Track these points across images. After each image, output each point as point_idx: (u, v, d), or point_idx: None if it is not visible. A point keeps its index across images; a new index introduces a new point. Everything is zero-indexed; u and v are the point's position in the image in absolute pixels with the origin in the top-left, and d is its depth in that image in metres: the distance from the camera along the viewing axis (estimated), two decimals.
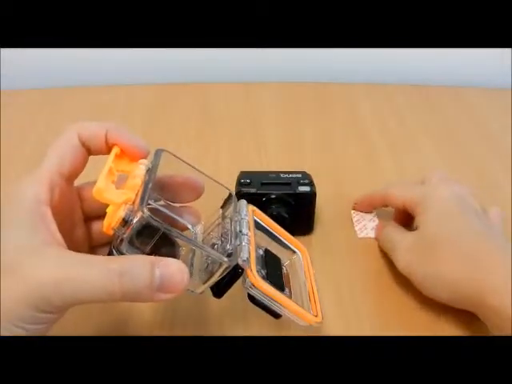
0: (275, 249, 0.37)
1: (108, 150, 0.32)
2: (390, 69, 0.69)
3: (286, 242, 0.38)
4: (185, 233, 0.34)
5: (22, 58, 0.64)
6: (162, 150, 0.32)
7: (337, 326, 0.37)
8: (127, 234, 0.28)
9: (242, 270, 0.30)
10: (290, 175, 0.42)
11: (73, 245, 0.29)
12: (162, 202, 0.33)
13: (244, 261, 0.30)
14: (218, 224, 0.35)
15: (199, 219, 0.35)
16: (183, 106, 0.63)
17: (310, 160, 0.54)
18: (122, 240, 0.28)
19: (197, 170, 0.34)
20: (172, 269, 0.27)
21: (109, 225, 0.28)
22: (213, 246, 0.34)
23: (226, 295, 0.31)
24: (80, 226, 0.33)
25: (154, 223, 0.28)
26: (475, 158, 0.55)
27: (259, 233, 0.36)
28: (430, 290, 0.37)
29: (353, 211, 0.47)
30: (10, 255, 0.27)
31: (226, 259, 0.30)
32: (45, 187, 0.29)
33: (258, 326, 0.37)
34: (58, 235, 0.28)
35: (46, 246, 0.27)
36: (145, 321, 0.38)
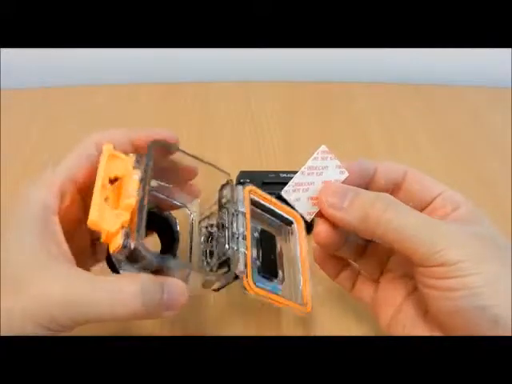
0: (273, 223, 0.38)
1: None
2: (390, 69, 0.69)
3: (283, 214, 0.38)
4: (180, 211, 0.35)
5: (22, 58, 0.64)
6: (153, 145, 0.31)
7: (337, 326, 0.37)
8: (128, 256, 0.28)
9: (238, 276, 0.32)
10: (290, 175, 0.42)
11: (77, 251, 0.29)
12: (154, 184, 0.33)
13: (241, 271, 0.32)
14: (215, 210, 0.35)
15: (196, 194, 0.35)
16: (183, 105, 0.63)
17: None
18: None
19: (193, 156, 0.33)
20: (176, 288, 0.28)
21: (110, 249, 0.28)
22: (208, 238, 0.35)
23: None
24: (86, 233, 0.33)
25: (149, 257, 0.28)
26: (475, 157, 0.55)
27: (257, 210, 0.37)
28: None
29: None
30: (15, 268, 0.27)
31: (223, 280, 0.32)
32: (53, 193, 0.28)
33: (258, 326, 0.37)
34: (65, 246, 0.28)
35: (53, 260, 0.27)
36: (145, 321, 0.38)
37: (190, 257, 0.35)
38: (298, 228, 0.38)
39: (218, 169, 0.35)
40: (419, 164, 0.54)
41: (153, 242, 0.34)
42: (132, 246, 0.27)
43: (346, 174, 0.32)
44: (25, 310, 0.26)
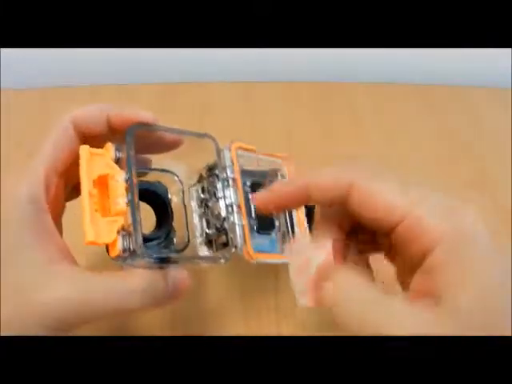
0: (263, 173, 0.38)
1: (111, 135, 0.30)
2: (390, 69, 0.69)
3: (273, 159, 0.39)
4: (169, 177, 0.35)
5: (22, 58, 0.64)
6: (131, 130, 0.30)
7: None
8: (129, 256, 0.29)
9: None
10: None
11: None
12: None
13: (240, 246, 0.32)
14: (205, 175, 0.35)
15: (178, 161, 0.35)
16: (183, 105, 0.63)
17: (309, 159, 0.54)
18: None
19: (176, 129, 0.33)
20: (178, 277, 0.29)
21: (111, 254, 0.28)
22: (202, 203, 0.35)
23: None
24: None
25: (149, 254, 0.28)
26: (475, 157, 0.55)
27: (247, 162, 0.37)
28: None
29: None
30: (19, 274, 0.26)
31: (222, 261, 0.32)
32: (42, 189, 0.28)
33: (258, 326, 0.37)
34: (62, 243, 0.28)
35: (55, 263, 0.27)
36: (145, 321, 0.38)
37: (187, 225, 0.35)
38: (288, 169, 0.38)
39: (204, 136, 0.34)
40: (419, 164, 0.55)
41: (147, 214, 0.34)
42: (132, 249, 0.28)
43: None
44: (31, 314, 0.26)
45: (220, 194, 0.34)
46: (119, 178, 0.29)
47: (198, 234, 0.35)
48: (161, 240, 0.34)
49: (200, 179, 0.36)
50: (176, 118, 0.60)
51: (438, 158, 0.55)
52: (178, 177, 0.36)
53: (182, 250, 0.35)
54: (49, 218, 0.28)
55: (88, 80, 0.65)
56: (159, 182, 0.35)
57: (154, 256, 0.29)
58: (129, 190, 0.28)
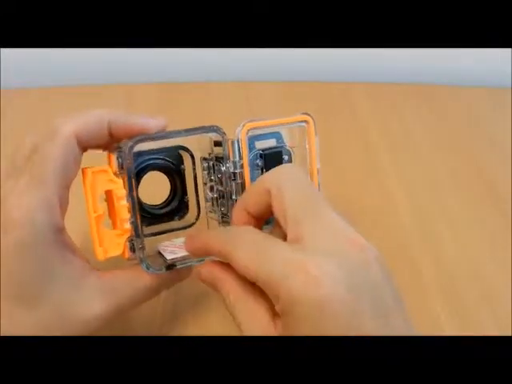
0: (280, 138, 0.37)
1: (112, 142, 0.30)
2: (390, 69, 0.69)
3: (290, 125, 0.36)
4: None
5: (22, 58, 0.64)
6: (132, 146, 0.29)
7: None
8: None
9: None
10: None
11: None
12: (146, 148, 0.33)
13: None
14: (213, 152, 0.35)
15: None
16: (182, 105, 0.63)
17: None
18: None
19: (181, 130, 0.34)
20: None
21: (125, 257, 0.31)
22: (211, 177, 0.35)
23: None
24: None
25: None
26: (475, 157, 0.55)
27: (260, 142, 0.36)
28: None
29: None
30: (54, 294, 0.27)
31: None
32: (59, 212, 0.27)
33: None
34: (82, 255, 0.30)
35: (85, 276, 0.29)
36: (143, 321, 0.38)
37: (197, 197, 0.36)
38: (308, 127, 0.37)
39: (211, 130, 0.35)
40: (419, 164, 0.55)
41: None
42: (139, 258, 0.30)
43: None
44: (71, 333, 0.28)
45: (226, 188, 0.34)
46: (122, 200, 0.30)
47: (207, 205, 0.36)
48: (174, 210, 0.35)
49: (209, 156, 0.36)
50: (176, 118, 0.60)
51: (438, 157, 0.55)
52: (189, 150, 0.36)
53: (195, 221, 0.36)
54: (67, 236, 0.29)
55: (88, 80, 0.65)
56: (175, 150, 0.35)
57: (164, 265, 0.31)
58: (131, 210, 0.30)
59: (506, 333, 0.36)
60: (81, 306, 0.28)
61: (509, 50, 0.63)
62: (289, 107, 0.63)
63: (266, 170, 0.35)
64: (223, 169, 0.33)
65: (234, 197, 0.33)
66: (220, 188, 0.34)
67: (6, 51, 0.61)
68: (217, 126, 0.35)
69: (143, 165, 0.33)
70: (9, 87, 0.63)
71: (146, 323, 0.38)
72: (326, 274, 0.23)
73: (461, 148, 0.57)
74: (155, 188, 0.34)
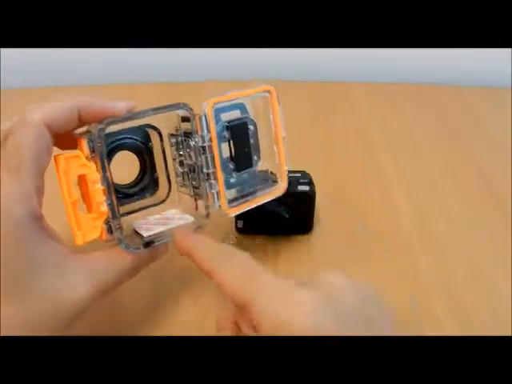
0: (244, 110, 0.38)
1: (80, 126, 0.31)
2: (390, 69, 0.69)
3: (252, 95, 0.38)
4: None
5: (22, 58, 0.64)
6: (102, 129, 0.30)
7: None
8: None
9: None
10: (290, 174, 0.42)
11: None
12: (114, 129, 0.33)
13: (217, 207, 0.35)
14: (181, 127, 0.36)
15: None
16: None
17: (309, 159, 0.54)
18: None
19: (150, 109, 0.34)
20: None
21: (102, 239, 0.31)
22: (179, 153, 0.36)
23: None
24: None
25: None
26: (475, 157, 0.55)
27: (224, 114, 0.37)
28: None
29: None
30: (38, 277, 0.28)
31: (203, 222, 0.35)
32: (36, 201, 0.28)
33: None
34: (62, 240, 0.29)
35: (68, 256, 0.29)
36: (143, 321, 0.38)
37: (167, 173, 0.37)
38: (271, 97, 0.39)
39: (179, 107, 0.35)
40: (419, 164, 0.55)
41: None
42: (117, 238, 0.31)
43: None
44: (56, 315, 0.28)
45: (195, 161, 0.34)
46: (97, 184, 0.30)
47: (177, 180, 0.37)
48: (145, 188, 0.36)
49: (177, 132, 0.36)
50: None
51: (438, 157, 0.55)
52: (156, 128, 0.36)
53: (166, 197, 0.37)
54: (46, 223, 0.29)
55: (88, 80, 0.65)
56: (142, 128, 0.35)
57: (141, 243, 0.32)
58: (106, 192, 0.30)
59: (506, 333, 0.36)
60: (67, 290, 0.28)
61: (509, 50, 0.63)
62: (289, 107, 0.63)
63: (233, 142, 0.36)
64: (192, 143, 0.34)
65: (205, 170, 0.34)
66: (190, 162, 0.35)
67: (5, 51, 0.61)
68: (184, 103, 0.35)
69: (112, 145, 0.34)
70: (9, 87, 0.63)
71: (146, 323, 0.38)
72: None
73: (461, 148, 0.57)
74: (121, 168, 0.35)
